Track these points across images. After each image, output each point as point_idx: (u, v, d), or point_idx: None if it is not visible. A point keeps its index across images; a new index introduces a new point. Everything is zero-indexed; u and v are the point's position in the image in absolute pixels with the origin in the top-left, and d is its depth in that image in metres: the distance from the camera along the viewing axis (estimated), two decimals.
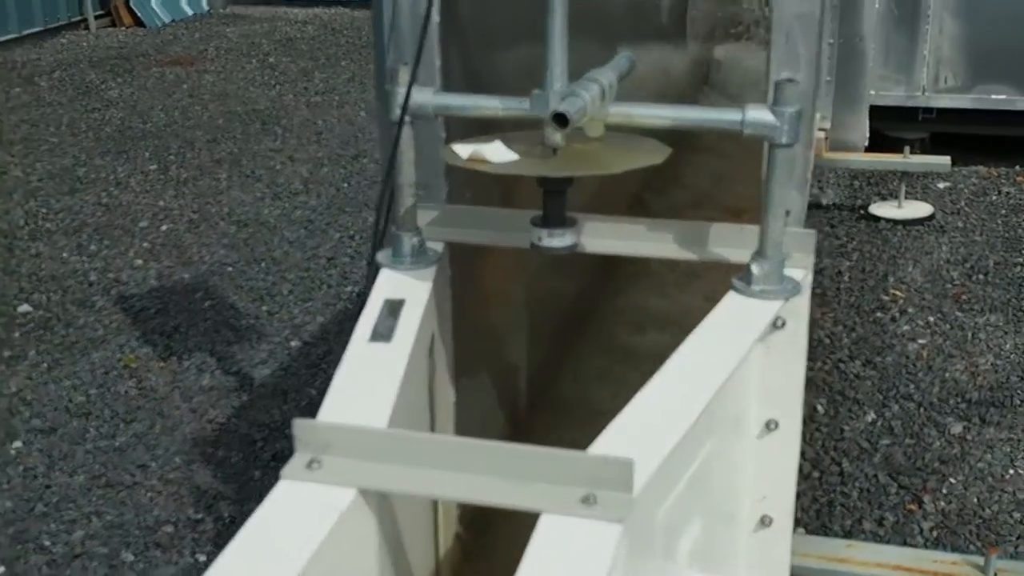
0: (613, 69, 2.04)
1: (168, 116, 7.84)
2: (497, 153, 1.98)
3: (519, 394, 3.00)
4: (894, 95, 6.20)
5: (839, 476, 3.42)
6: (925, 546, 3.09)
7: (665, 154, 2.03)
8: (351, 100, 8.34)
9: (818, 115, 5.19)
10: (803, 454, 3.48)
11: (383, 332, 1.90)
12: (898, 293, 4.73)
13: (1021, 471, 3.43)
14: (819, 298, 4.64)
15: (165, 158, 6.83)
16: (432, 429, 2.16)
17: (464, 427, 2.30)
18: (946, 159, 5.64)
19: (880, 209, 5.67)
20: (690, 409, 1.66)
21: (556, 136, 1.93)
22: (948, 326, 4.41)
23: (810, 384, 3.87)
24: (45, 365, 4.20)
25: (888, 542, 3.09)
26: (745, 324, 1.91)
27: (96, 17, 11.35)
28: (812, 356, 4.09)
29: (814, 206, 5.75)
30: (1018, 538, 3.12)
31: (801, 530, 3.09)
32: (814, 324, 4.34)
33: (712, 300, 1.96)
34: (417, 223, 2.14)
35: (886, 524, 3.20)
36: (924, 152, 6.03)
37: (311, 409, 2.16)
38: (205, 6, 12.38)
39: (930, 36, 6.09)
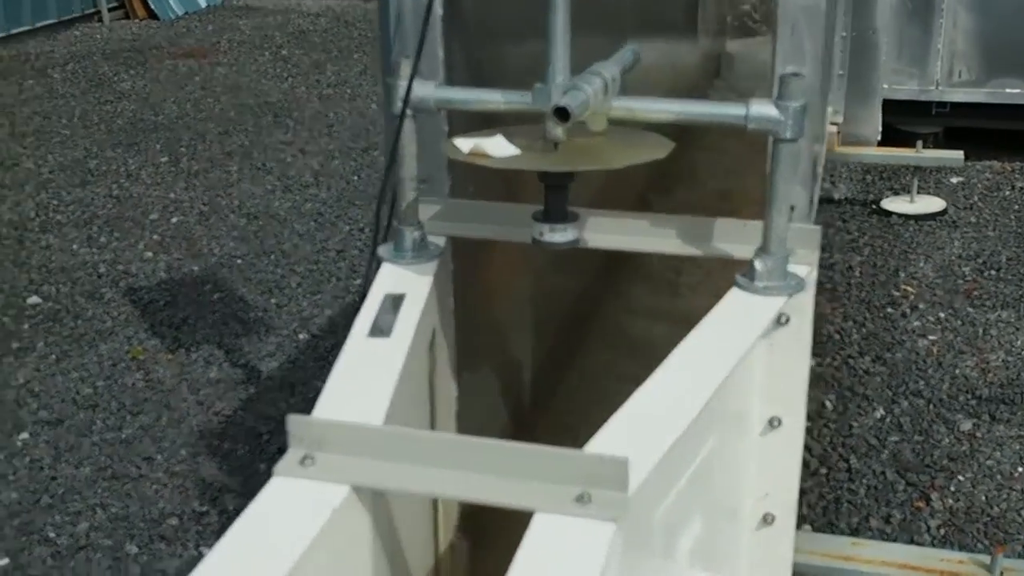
0: (617, 63, 2.02)
1: (180, 108, 7.86)
2: (498, 147, 1.96)
3: (522, 390, 2.98)
4: (907, 89, 6.16)
5: (847, 473, 3.40)
6: (932, 544, 3.07)
7: (668, 149, 2.01)
8: (363, 93, 8.34)
9: (830, 109, 5.15)
10: (811, 450, 3.46)
11: (382, 327, 1.88)
12: (909, 288, 4.70)
13: None
14: (829, 293, 4.61)
15: (176, 150, 6.84)
16: (433, 426, 2.14)
17: (466, 423, 2.28)
18: (959, 154, 5.61)
19: (892, 204, 5.64)
20: (690, 406, 1.64)
21: (558, 130, 1.90)
22: (959, 322, 4.38)
23: (819, 380, 3.86)
24: (53, 357, 4.21)
25: (895, 540, 3.07)
26: (748, 320, 1.88)
27: (110, 9, 11.39)
28: (822, 351, 4.07)
29: (826, 200, 5.72)
30: None
31: (807, 527, 3.07)
32: (824, 320, 4.32)
33: (721, 296, 1.95)
34: (419, 217, 2.13)
35: (893, 521, 3.18)
36: (937, 147, 6.00)
37: None
38: None
39: (944, 29, 6.05)
